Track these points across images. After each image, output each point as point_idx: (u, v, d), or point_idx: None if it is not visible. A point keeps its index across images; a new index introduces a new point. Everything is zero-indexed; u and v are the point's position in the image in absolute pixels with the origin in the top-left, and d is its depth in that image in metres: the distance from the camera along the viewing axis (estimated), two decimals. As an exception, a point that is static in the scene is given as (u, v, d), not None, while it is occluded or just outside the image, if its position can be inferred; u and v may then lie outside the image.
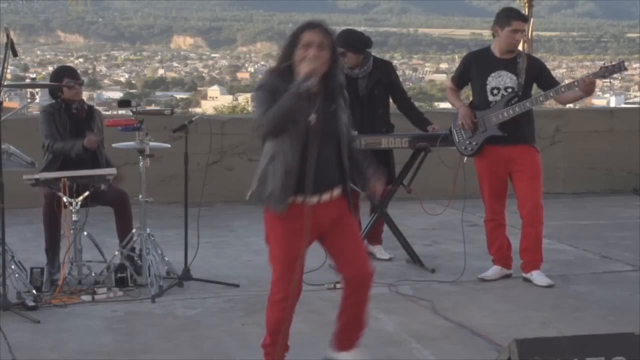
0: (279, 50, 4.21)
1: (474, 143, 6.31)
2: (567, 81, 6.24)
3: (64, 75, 6.32)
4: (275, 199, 4.10)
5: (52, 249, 6.17)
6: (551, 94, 6.11)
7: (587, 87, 5.92)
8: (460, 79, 6.45)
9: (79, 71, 6.73)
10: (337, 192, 4.21)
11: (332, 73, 4.12)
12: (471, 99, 6.50)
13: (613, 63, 5.94)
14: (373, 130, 6.73)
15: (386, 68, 6.90)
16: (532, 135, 6.29)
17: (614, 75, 6.06)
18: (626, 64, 5.90)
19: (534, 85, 6.32)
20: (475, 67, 6.33)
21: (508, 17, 6.17)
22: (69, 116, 6.30)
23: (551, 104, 6.46)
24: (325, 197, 4.17)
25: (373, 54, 6.89)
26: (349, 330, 4.43)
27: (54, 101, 6.38)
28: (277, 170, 4.08)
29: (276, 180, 4.08)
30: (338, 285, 6.12)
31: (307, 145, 4.02)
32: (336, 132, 4.13)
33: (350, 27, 7.22)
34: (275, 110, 3.97)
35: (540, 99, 6.14)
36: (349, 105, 4.29)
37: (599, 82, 6.11)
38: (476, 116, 6.27)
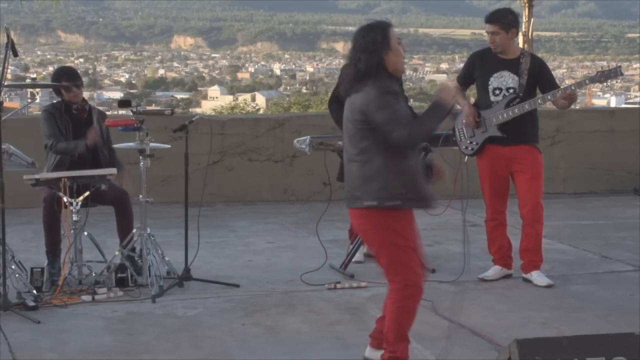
0: (363, 53, 4.18)
1: (475, 143, 6.31)
2: (567, 81, 6.26)
3: (62, 77, 6.31)
4: (431, 199, 4.27)
5: (53, 252, 6.16)
6: (549, 97, 6.12)
7: (567, 97, 6.01)
8: (464, 79, 6.47)
9: (79, 71, 6.72)
10: None
11: None
12: (473, 99, 6.51)
13: (610, 68, 5.96)
14: None
15: None
16: (534, 135, 6.28)
17: (614, 80, 6.07)
18: (626, 65, 5.93)
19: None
20: (478, 67, 6.34)
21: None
22: (70, 116, 6.30)
23: (552, 104, 6.46)
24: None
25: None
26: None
27: (55, 101, 6.38)
28: (416, 170, 4.22)
29: (421, 181, 4.24)
30: (338, 285, 6.14)
31: None
32: None
33: None
34: (430, 124, 4.18)
35: (539, 101, 6.14)
36: None
37: (597, 86, 6.11)
38: (480, 115, 6.27)
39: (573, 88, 6.03)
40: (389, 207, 4.16)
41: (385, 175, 4.15)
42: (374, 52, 4.15)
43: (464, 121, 6.32)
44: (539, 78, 6.19)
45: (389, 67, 4.19)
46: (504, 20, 6.15)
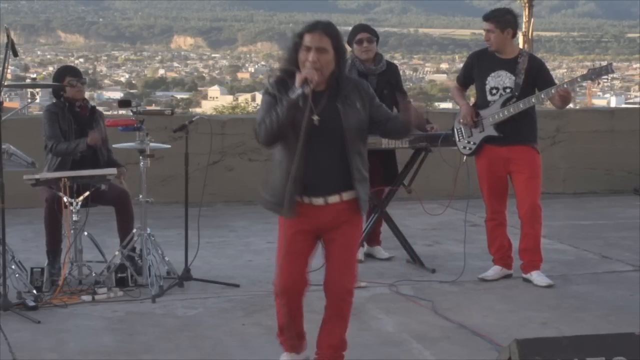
0: (284, 52, 4.22)
1: (472, 143, 6.32)
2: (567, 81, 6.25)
3: (67, 74, 6.32)
4: (284, 208, 4.15)
5: (53, 252, 6.17)
6: (542, 95, 6.13)
7: (562, 97, 6.00)
8: (464, 79, 6.48)
9: (80, 71, 6.74)
10: (347, 195, 4.17)
11: (338, 72, 4.12)
12: (474, 99, 6.51)
13: (601, 66, 5.97)
14: None
15: (395, 70, 6.95)
16: (531, 135, 6.28)
17: (605, 77, 6.08)
18: (626, 65, 5.94)
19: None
20: (476, 67, 6.35)
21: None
22: (73, 115, 6.31)
23: (551, 105, 6.46)
24: (333, 199, 4.16)
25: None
26: (323, 348, 4.34)
27: (56, 100, 6.37)
28: (282, 177, 4.15)
29: (281, 188, 4.14)
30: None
31: (312, 145, 4.03)
32: (340, 130, 4.09)
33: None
34: (269, 121, 4.02)
35: (533, 100, 6.15)
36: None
37: (597, 83, 6.12)
38: (478, 115, 6.27)
39: (565, 86, 6.04)
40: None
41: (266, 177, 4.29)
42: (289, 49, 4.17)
43: (461, 120, 6.33)
44: (536, 78, 6.19)
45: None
46: (501, 19, 6.16)
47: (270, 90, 4.13)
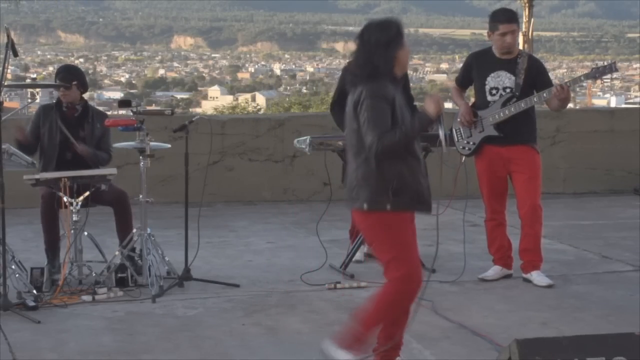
0: (378, 48, 4.19)
1: (472, 143, 6.32)
2: (567, 80, 6.24)
3: (57, 75, 6.36)
4: (424, 204, 4.38)
5: (52, 249, 6.17)
6: (544, 94, 6.11)
7: (562, 96, 5.98)
8: (462, 80, 6.48)
9: (76, 72, 6.71)
10: None
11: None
12: (473, 99, 6.51)
13: (605, 64, 5.96)
14: None
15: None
16: (531, 135, 6.28)
17: (608, 76, 6.06)
18: (626, 65, 5.94)
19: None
20: (476, 68, 6.34)
21: (495, 21, 6.18)
22: (60, 114, 6.33)
23: (547, 106, 6.45)
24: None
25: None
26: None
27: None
28: (408, 175, 4.24)
29: (414, 186, 4.28)
30: (338, 285, 6.14)
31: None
32: None
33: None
34: (404, 135, 4.15)
35: (535, 99, 6.14)
36: None
37: (598, 83, 6.11)
38: (476, 115, 6.27)
39: (568, 84, 6.02)
40: (384, 210, 4.18)
41: (375, 180, 4.17)
42: (388, 48, 4.17)
43: (459, 120, 6.33)
44: (535, 78, 6.19)
45: (398, 65, 4.21)
46: (518, 19, 6.21)
47: (385, 92, 4.15)
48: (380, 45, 4.16)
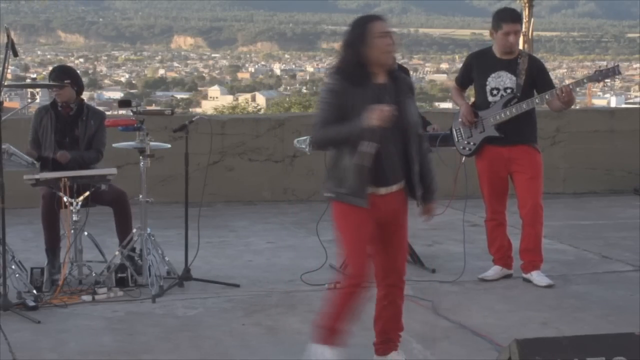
0: (344, 48, 4.25)
1: (472, 143, 6.31)
2: (567, 82, 6.24)
3: (50, 75, 6.39)
4: (358, 197, 4.22)
5: (52, 249, 6.17)
6: (547, 96, 6.11)
7: (565, 98, 5.97)
8: (462, 80, 6.47)
9: (78, 71, 6.72)
10: (400, 185, 4.33)
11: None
12: (473, 99, 6.50)
13: (608, 67, 5.95)
14: None
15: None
16: (532, 135, 6.28)
17: (609, 79, 6.06)
18: (626, 65, 5.93)
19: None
20: (476, 68, 6.34)
21: (499, 20, 6.18)
22: (56, 113, 6.36)
23: (548, 107, 6.44)
24: (393, 188, 4.30)
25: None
26: (390, 333, 4.55)
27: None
28: (352, 167, 4.20)
29: (354, 177, 4.20)
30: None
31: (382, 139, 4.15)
32: (404, 123, 4.23)
33: None
34: (334, 134, 4.16)
35: (537, 100, 6.14)
36: None
37: (597, 86, 6.11)
38: (477, 115, 6.27)
39: (571, 87, 6.02)
40: (335, 200, 4.32)
41: (331, 170, 4.31)
42: (352, 46, 4.20)
43: (460, 120, 6.33)
44: (536, 79, 6.19)
45: (371, 63, 4.20)
46: (522, 20, 6.22)
47: (333, 86, 4.21)
48: (347, 44, 4.24)
